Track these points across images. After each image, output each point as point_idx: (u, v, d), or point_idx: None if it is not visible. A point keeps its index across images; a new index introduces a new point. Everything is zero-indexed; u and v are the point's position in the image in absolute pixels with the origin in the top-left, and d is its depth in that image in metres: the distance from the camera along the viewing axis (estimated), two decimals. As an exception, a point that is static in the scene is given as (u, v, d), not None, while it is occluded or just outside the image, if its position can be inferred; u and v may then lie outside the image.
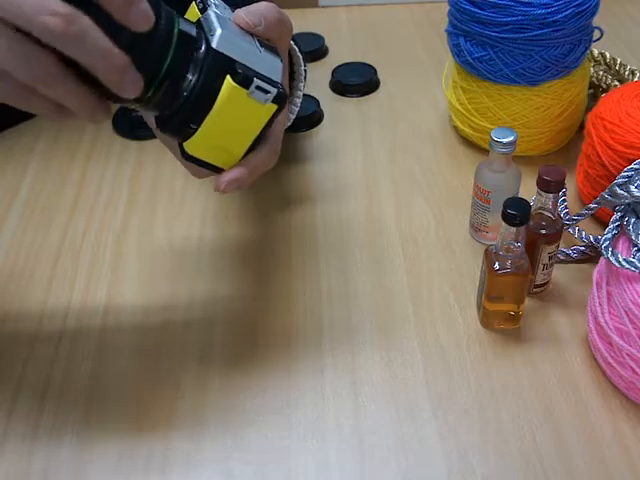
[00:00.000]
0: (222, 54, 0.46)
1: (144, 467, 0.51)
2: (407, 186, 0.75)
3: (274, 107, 0.48)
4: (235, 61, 0.47)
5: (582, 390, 0.55)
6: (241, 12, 0.49)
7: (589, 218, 0.64)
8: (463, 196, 0.72)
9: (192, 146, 0.48)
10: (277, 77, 0.49)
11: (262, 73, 0.47)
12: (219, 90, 0.46)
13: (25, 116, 0.85)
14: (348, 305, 0.62)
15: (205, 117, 0.47)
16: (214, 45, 0.46)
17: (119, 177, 0.77)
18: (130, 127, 0.84)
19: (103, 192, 0.75)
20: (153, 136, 0.83)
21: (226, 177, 0.48)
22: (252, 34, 0.49)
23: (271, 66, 0.49)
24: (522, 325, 0.59)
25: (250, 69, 0.47)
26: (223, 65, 0.46)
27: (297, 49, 0.64)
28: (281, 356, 0.58)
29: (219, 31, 0.46)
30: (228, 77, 0.46)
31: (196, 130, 0.47)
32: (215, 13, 0.48)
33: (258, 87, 0.47)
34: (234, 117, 0.48)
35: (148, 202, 0.73)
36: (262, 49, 0.49)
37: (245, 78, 0.46)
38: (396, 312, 0.61)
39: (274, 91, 0.47)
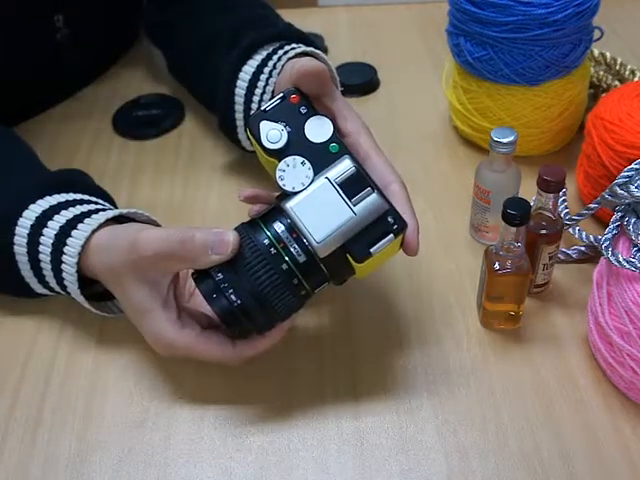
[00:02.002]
0: (331, 254, 0.47)
1: (144, 467, 0.51)
2: (407, 186, 0.74)
3: (400, 237, 0.49)
4: (344, 245, 0.47)
5: (582, 390, 0.55)
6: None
7: (589, 218, 0.64)
8: (463, 196, 0.72)
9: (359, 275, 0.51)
10: (381, 212, 0.48)
11: (372, 231, 0.47)
12: (352, 269, 0.49)
13: (24, 116, 0.85)
14: (348, 305, 0.62)
15: (353, 274, 0.50)
16: (322, 256, 0.47)
17: (118, 177, 0.77)
18: (130, 127, 0.84)
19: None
20: (153, 136, 0.84)
21: (415, 244, 0.50)
22: (333, 183, 0.48)
23: (372, 211, 0.48)
24: (522, 325, 0.59)
25: (360, 239, 0.47)
26: (338, 257, 0.48)
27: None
28: (281, 356, 0.58)
29: (315, 243, 0.47)
30: (349, 258, 0.48)
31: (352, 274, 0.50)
32: (297, 206, 0.48)
33: (378, 245, 0.47)
34: (377, 265, 0.50)
35: (148, 202, 0.73)
36: (353, 205, 0.48)
37: (362, 255, 0.47)
38: (396, 312, 0.61)
39: (391, 236, 0.47)
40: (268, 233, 0.48)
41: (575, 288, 0.63)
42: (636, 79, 0.79)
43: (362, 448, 0.52)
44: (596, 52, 0.83)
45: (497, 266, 0.55)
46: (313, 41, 0.69)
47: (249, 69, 0.65)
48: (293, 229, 0.48)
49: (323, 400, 0.55)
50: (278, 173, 0.48)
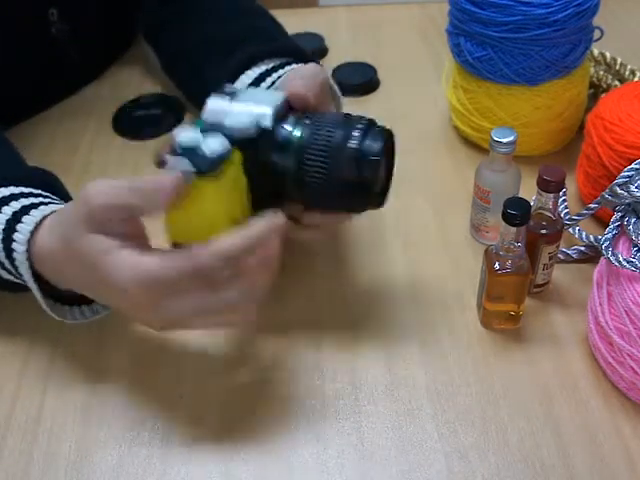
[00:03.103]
0: None
1: (144, 467, 0.51)
2: (407, 186, 0.74)
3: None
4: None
5: (582, 390, 0.55)
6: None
7: (589, 218, 0.64)
8: (463, 196, 0.72)
9: None
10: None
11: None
12: None
13: (24, 114, 0.85)
14: (348, 305, 0.62)
15: None
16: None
17: (119, 177, 0.77)
18: (130, 127, 0.83)
19: (103, 192, 0.75)
20: (152, 136, 0.84)
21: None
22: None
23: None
24: (522, 325, 0.59)
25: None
26: None
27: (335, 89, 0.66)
28: (281, 356, 0.58)
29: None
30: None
31: None
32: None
33: None
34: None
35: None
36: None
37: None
38: (396, 312, 0.61)
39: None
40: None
41: (575, 288, 0.63)
42: (636, 79, 0.79)
43: (362, 448, 0.52)
44: (596, 52, 0.83)
45: (497, 266, 0.55)
46: (313, 58, 0.67)
47: (246, 79, 0.65)
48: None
49: (323, 400, 0.55)
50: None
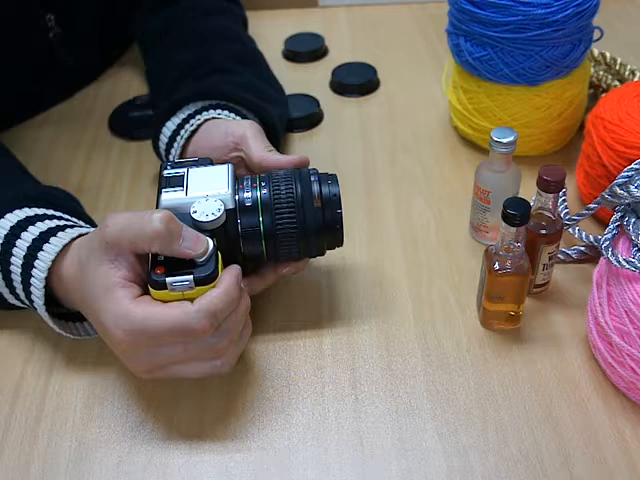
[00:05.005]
0: None
1: (144, 468, 0.51)
2: (407, 186, 0.75)
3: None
4: None
5: (582, 390, 0.55)
6: None
7: (589, 218, 0.64)
8: (463, 196, 0.72)
9: None
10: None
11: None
12: None
13: (22, 117, 0.85)
14: (348, 305, 0.62)
15: None
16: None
17: (118, 179, 0.77)
18: (126, 128, 0.83)
19: (102, 194, 0.75)
20: (148, 137, 0.84)
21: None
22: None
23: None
24: (522, 325, 0.59)
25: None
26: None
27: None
28: (281, 356, 0.58)
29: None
30: None
31: None
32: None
33: None
34: None
35: (148, 204, 0.73)
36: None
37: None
38: (396, 312, 0.61)
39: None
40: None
41: (575, 288, 0.63)
42: (636, 79, 0.79)
43: (362, 448, 0.52)
44: (596, 52, 0.83)
45: (497, 266, 0.55)
46: (238, 96, 0.70)
47: (171, 125, 0.68)
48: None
49: (323, 400, 0.55)
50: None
